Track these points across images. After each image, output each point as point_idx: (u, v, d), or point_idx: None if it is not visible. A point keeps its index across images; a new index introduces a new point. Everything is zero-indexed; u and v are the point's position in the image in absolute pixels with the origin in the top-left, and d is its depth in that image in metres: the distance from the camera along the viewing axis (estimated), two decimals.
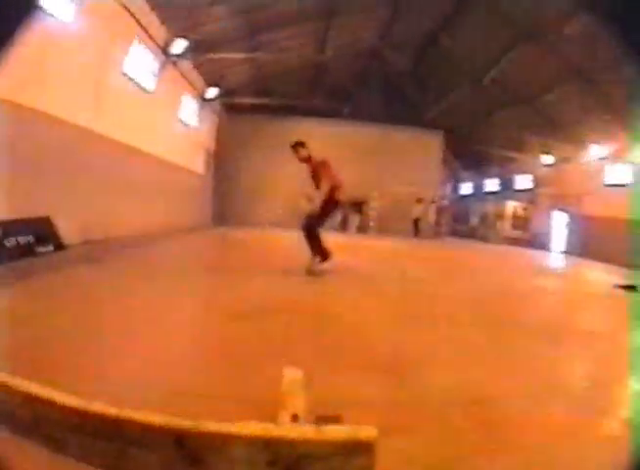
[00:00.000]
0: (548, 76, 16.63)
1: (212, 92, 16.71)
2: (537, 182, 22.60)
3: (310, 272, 6.20)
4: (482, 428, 1.94)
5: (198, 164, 17.51)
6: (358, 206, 21.35)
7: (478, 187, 28.70)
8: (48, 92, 7.18)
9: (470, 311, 4.72)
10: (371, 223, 21.81)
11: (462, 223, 27.34)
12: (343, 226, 21.08)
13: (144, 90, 11.57)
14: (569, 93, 16.63)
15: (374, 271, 7.76)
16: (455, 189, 30.81)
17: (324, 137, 18.60)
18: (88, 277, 5.22)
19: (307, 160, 6.48)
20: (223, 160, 20.11)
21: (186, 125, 15.61)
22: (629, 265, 11.88)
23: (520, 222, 23.24)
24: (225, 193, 20.28)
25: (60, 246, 7.11)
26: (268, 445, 1.09)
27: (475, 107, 21.16)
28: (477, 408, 2.16)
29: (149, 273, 5.85)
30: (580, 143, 18.47)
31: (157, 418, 1.16)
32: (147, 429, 1.15)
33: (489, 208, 25.17)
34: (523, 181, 23.88)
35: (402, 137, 21.72)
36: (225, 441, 1.09)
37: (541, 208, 22.09)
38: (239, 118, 20.44)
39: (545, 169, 21.46)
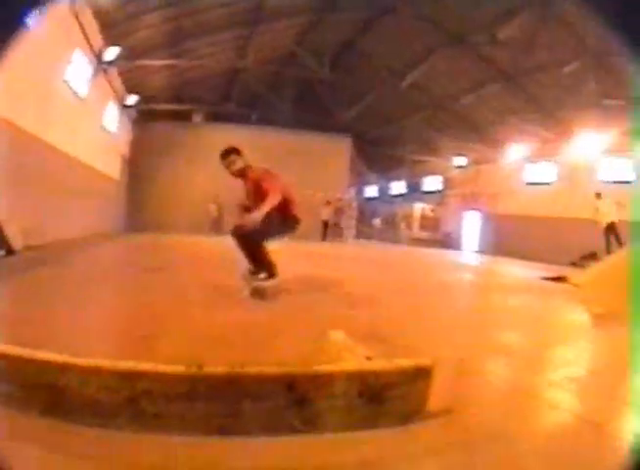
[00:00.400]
0: (470, 79, 17.26)
1: (132, 99, 16.60)
2: (448, 184, 23.55)
3: (257, 293, 4.70)
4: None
5: (115, 170, 17.32)
6: None
7: (384, 190, 29.86)
8: None
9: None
10: None
11: (367, 225, 27.93)
12: None
13: (77, 96, 11.58)
14: (490, 95, 17.42)
15: (325, 283, 6.41)
16: (361, 192, 31.80)
17: (236, 143, 18.82)
18: (61, 274, 5.84)
19: (244, 173, 5.04)
20: (138, 166, 19.94)
21: (107, 132, 15.52)
22: (548, 261, 12.96)
23: (428, 223, 24.13)
24: (139, 199, 20.07)
25: (10, 251, 7.14)
26: (360, 378, 1.54)
27: (390, 111, 21.97)
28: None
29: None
30: (499, 143, 19.25)
31: (270, 369, 1.54)
32: (262, 381, 1.52)
33: (396, 210, 26.01)
34: (432, 183, 24.86)
35: (312, 142, 22.29)
36: (328, 379, 1.52)
37: (452, 208, 23.03)
38: (155, 125, 20.36)
39: (457, 171, 22.38)
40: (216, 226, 19.28)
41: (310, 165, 21.82)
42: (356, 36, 18.44)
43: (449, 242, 22.49)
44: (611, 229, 12.40)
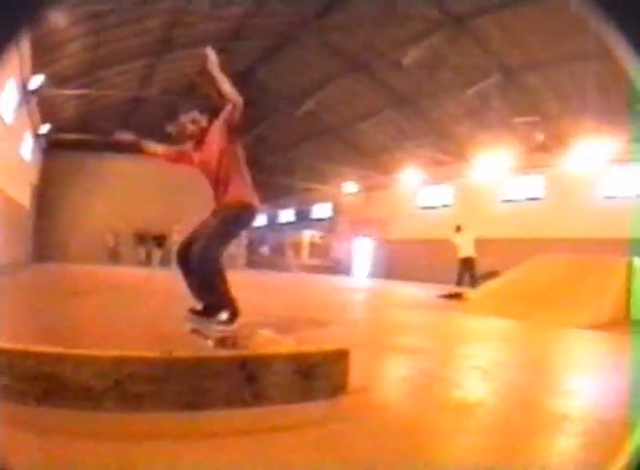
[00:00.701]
0: (366, 105, 17.75)
1: (45, 128, 16.35)
2: (338, 211, 24.21)
3: (221, 342, 3.05)
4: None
5: (26, 198, 16.75)
6: (160, 240, 21.84)
7: (273, 218, 30.51)
8: None
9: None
10: (173, 257, 21.94)
11: (256, 254, 27.98)
12: (147, 261, 21.44)
13: (3, 122, 11.58)
14: (385, 120, 17.95)
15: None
16: None
17: (131, 174, 20.53)
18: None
19: (201, 137, 3.72)
20: (45, 195, 19.64)
21: (22, 160, 15.30)
22: (446, 282, 13.12)
23: (317, 250, 24.40)
24: (46, 228, 19.69)
25: None
26: (294, 358, 2.03)
27: (282, 139, 22.47)
28: None
29: None
30: (392, 169, 19.69)
31: (225, 352, 2.00)
32: (219, 362, 1.97)
33: (284, 237, 26.40)
34: (321, 210, 25.53)
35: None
36: (270, 359, 2.01)
37: (341, 235, 23.65)
38: (61, 155, 20.28)
39: (348, 198, 22.97)
40: (113, 256, 19.27)
41: (200, 194, 22.25)
42: (257, 65, 18.80)
43: (340, 268, 22.91)
44: (466, 263, 12.42)
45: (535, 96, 14.42)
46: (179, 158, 4.00)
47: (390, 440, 1.84)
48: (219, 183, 3.59)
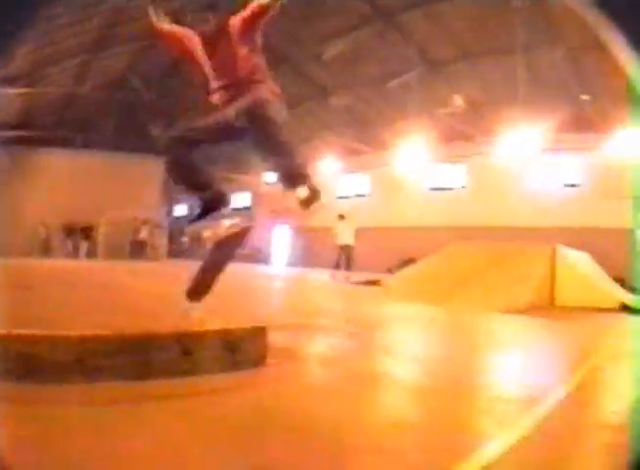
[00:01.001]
0: (288, 97, 18.62)
1: None
2: (257, 200, 24.87)
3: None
4: None
5: None
6: (87, 231, 21.76)
7: (194, 208, 30.45)
8: None
9: None
10: (99, 248, 22.01)
11: (177, 243, 28.25)
12: (74, 253, 21.24)
13: None
14: (305, 112, 18.45)
15: None
16: (171, 212, 32.18)
17: (63, 167, 20.67)
18: None
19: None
20: None
21: None
22: (366, 269, 14.01)
23: None
24: None
25: None
26: (221, 334, 2.59)
27: None
28: None
29: None
30: (311, 158, 19.40)
31: (164, 329, 2.51)
32: (159, 338, 2.48)
33: (202, 228, 26.91)
34: (241, 199, 26.06)
35: (129, 163, 22.88)
36: (203, 335, 2.55)
37: (261, 224, 23.63)
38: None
39: (267, 187, 23.03)
40: (45, 248, 19.38)
41: (127, 186, 22.48)
42: (180, 61, 18.79)
43: (258, 257, 23.23)
44: (343, 250, 12.96)
45: (460, 87, 14.93)
46: (182, 40, 3.35)
47: (303, 399, 2.42)
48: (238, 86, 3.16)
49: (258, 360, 2.77)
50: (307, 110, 18.71)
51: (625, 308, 8.44)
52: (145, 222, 21.88)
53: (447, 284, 7.64)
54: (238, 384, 2.54)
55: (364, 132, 18.54)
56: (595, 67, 12.21)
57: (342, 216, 13.39)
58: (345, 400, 2.47)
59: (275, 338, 3.05)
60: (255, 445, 1.79)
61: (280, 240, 23.42)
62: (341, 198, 20.54)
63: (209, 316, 2.91)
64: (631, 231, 13.27)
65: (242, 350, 2.68)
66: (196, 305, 3.16)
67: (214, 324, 2.77)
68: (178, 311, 3.12)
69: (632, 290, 10.97)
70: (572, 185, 15.49)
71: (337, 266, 12.94)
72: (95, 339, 2.35)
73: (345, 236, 13.01)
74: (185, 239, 28.19)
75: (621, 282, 11.30)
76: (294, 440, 1.87)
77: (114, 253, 21.23)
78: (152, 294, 6.35)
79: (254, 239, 22.29)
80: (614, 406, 2.68)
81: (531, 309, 6.64)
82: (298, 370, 3.04)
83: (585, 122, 14.37)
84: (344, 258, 12.91)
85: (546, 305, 7.82)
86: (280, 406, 2.27)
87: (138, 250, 21.41)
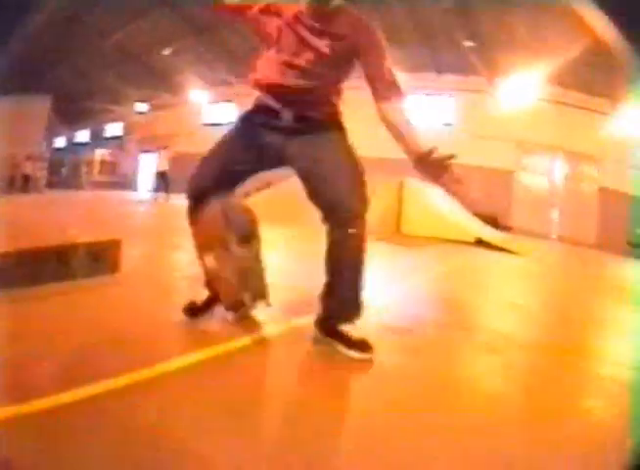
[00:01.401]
0: (168, 35, 19.06)
1: None
2: (129, 129, 25.50)
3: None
4: None
5: None
6: None
7: (71, 140, 30.52)
8: None
9: None
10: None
11: (56, 175, 27.95)
12: None
13: None
14: (184, 48, 19.45)
15: None
16: (51, 144, 31.22)
17: None
18: None
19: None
20: None
21: None
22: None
23: (107, 168, 26.34)
24: None
25: None
26: (86, 246, 3.79)
27: (88, 67, 22.56)
28: None
29: None
30: (182, 89, 21.29)
31: (45, 247, 3.64)
32: (44, 252, 3.60)
33: (79, 157, 27.34)
34: (113, 129, 26.64)
35: (14, 103, 21.38)
36: (75, 248, 3.73)
37: (129, 152, 25.31)
38: None
39: (137, 117, 24.20)
40: None
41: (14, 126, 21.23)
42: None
43: (127, 183, 24.63)
44: (160, 176, 16.04)
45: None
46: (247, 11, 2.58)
47: (147, 293, 3.66)
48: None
49: (115, 267, 3.78)
50: (185, 45, 19.36)
51: (482, 243, 8.77)
52: (28, 158, 21.47)
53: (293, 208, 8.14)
54: (100, 283, 3.54)
55: (236, 65, 19.30)
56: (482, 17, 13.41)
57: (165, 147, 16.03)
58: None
59: (137, 251, 4.19)
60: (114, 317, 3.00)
61: (146, 167, 23.89)
62: (206, 125, 21.37)
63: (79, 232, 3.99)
64: (511, 172, 14.95)
65: (103, 258, 3.83)
66: None
67: (82, 238, 3.91)
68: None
69: (505, 228, 12.18)
70: (448, 124, 17.06)
71: (156, 190, 15.52)
72: (13, 254, 3.25)
73: (161, 164, 15.84)
74: (63, 169, 28.17)
75: (494, 220, 12.35)
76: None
77: None
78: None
79: (123, 166, 23.10)
80: None
81: (378, 238, 6.75)
82: (145, 274, 4.26)
83: (469, 67, 15.68)
84: (163, 184, 15.44)
85: (392, 234, 8.32)
86: (128, 295, 3.52)
87: (24, 184, 20.96)
